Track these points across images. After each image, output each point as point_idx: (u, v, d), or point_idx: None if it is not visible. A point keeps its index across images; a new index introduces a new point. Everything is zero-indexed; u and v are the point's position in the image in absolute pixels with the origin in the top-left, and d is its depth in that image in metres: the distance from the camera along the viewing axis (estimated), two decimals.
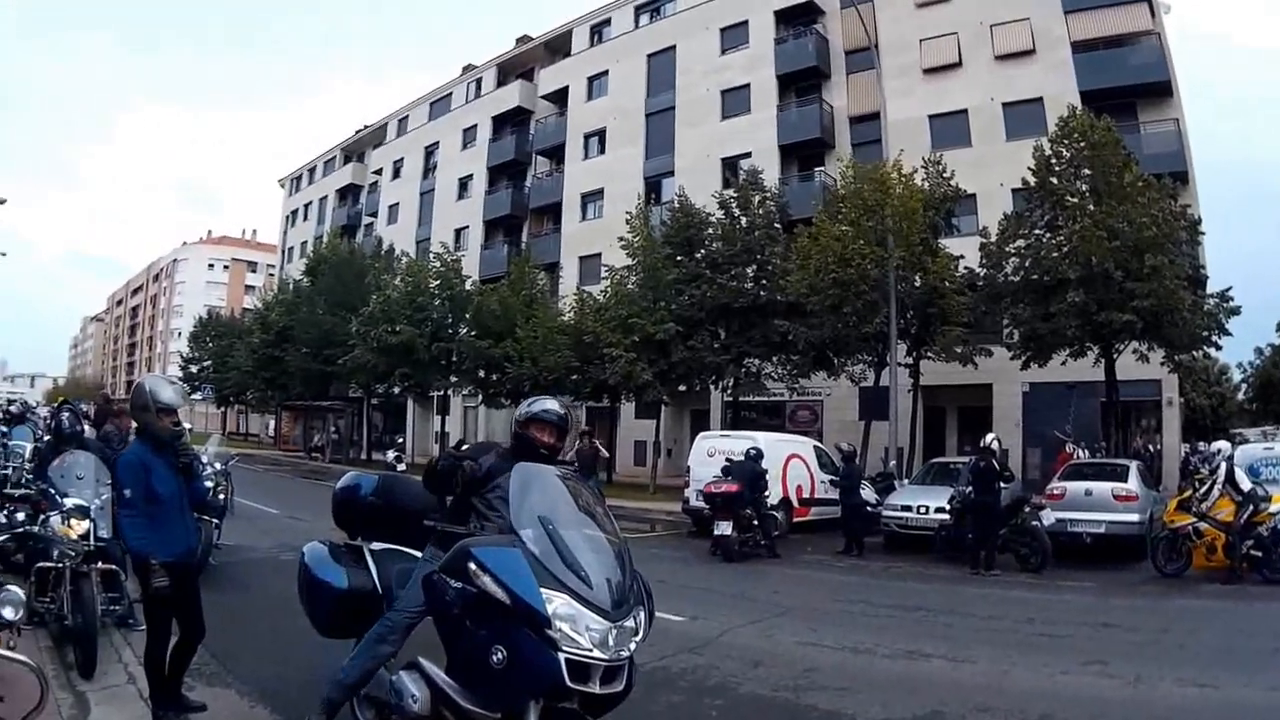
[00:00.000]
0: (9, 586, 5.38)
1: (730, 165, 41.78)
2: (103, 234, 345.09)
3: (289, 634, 8.33)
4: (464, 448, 6.27)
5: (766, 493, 19.33)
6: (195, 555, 7.17)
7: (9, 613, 5.16)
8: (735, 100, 44.27)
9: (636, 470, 39.46)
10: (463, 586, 4.84)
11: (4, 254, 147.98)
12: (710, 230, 34.02)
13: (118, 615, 9.05)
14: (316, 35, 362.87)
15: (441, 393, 47.87)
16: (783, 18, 43.00)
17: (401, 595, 5.78)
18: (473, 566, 4.74)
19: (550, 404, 6.01)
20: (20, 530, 6.90)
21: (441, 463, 5.90)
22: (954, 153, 31.90)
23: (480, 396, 42.88)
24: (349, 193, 77.00)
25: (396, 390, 48.75)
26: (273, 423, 74.28)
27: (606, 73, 51.62)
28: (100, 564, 8.44)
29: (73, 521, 8.25)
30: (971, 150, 34.42)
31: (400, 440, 39.94)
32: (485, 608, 4.73)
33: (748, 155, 40.21)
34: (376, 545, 6.57)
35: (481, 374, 41.05)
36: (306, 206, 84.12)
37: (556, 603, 4.56)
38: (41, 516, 8.49)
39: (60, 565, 8.16)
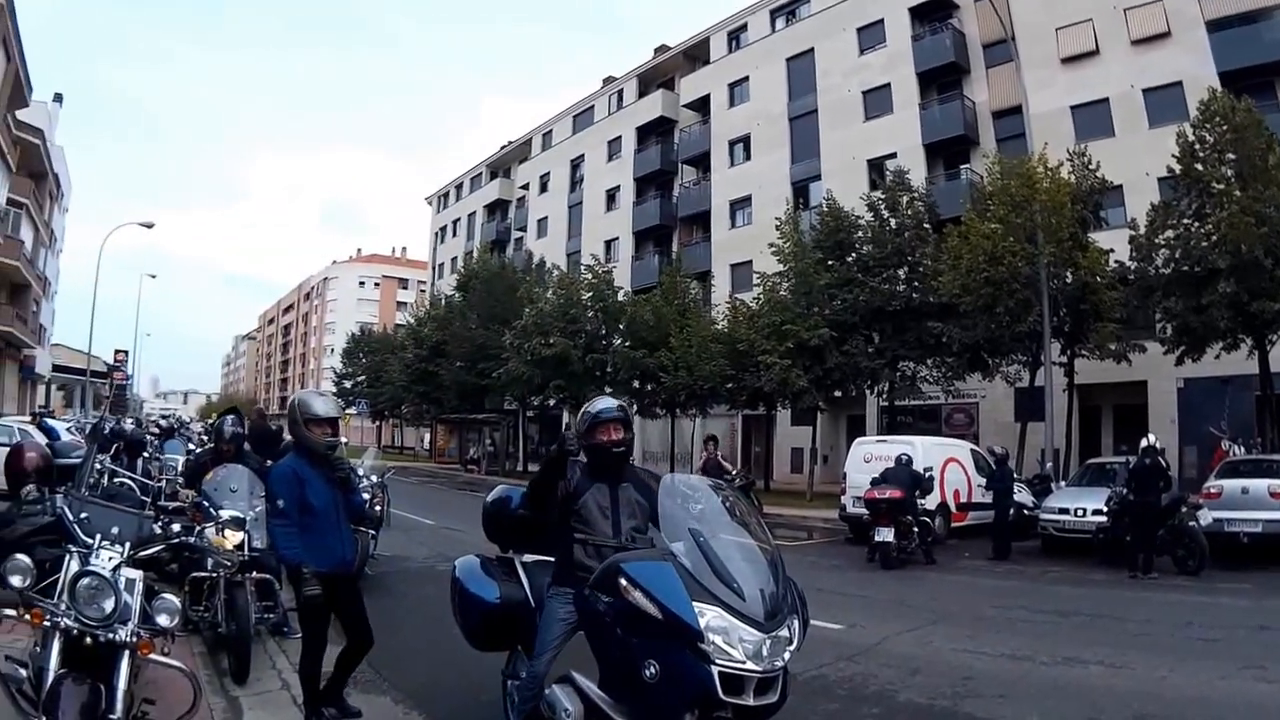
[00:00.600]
0: (165, 595, 5.67)
1: (876, 166, 42.01)
2: (253, 255, 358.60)
3: (444, 642, 8.44)
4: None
5: (925, 499, 19.25)
6: (350, 567, 7.23)
7: (164, 620, 5.42)
8: (877, 100, 44.02)
9: (794, 478, 40.08)
10: (613, 601, 4.94)
11: (154, 276, 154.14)
12: (860, 233, 34.01)
13: (272, 623, 9.51)
14: (456, 54, 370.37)
15: None
16: (918, 14, 42.96)
17: (536, 642, 5.83)
18: (624, 582, 4.86)
19: (606, 402, 6.17)
20: (176, 541, 6.85)
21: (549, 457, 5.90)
22: (1098, 143, 31.44)
23: (635, 407, 41.78)
24: (497, 208, 78.63)
25: (552, 402, 49.04)
26: (428, 436, 75.35)
27: (747, 79, 51.63)
28: (255, 573, 8.84)
29: (227, 532, 8.62)
30: (1115, 140, 33.82)
31: None
32: (637, 622, 4.79)
33: (893, 155, 40.21)
34: (528, 557, 6.72)
35: (636, 384, 41.41)
36: (455, 223, 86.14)
37: (709, 615, 4.58)
38: (197, 528, 8.55)
39: (214, 575, 8.52)
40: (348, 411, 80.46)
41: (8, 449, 9.63)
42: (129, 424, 25.20)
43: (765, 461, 40.86)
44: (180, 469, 16.01)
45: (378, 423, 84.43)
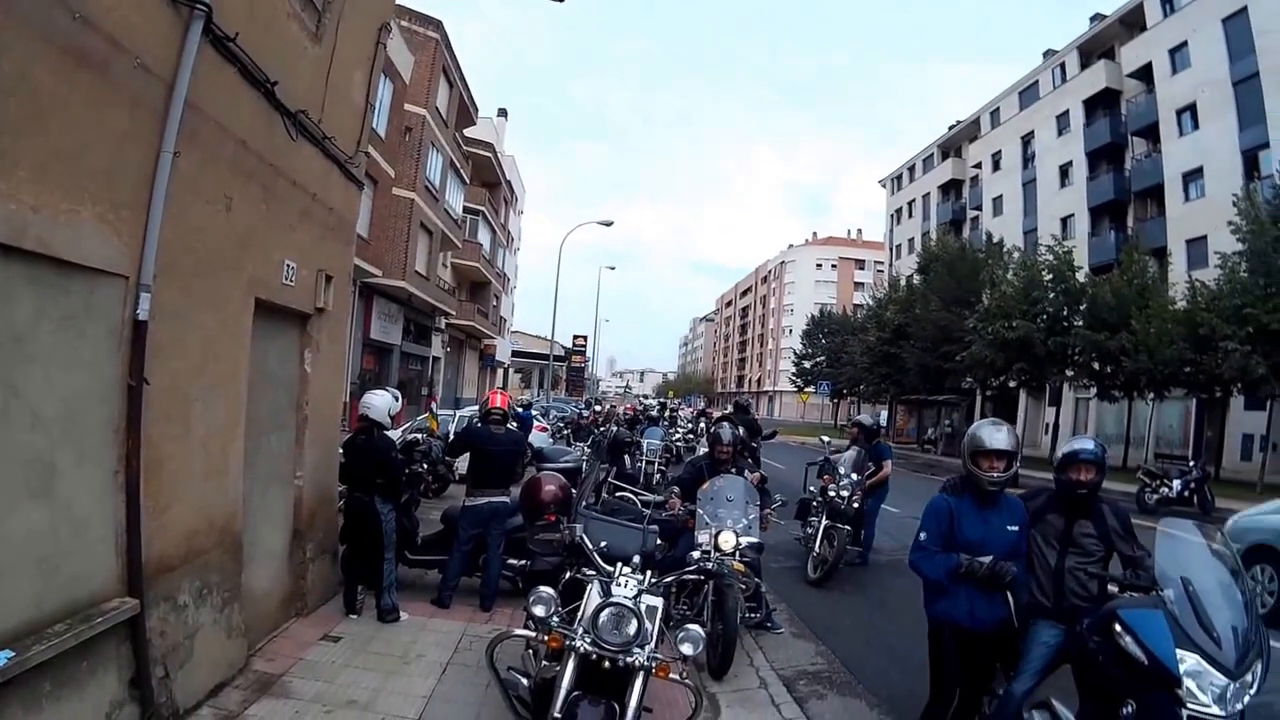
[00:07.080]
0: (691, 626, 5.66)
1: None
2: (711, 243, 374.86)
3: (914, 638, 7.56)
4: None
5: None
6: (996, 626, 6.21)
7: (688, 649, 5.52)
8: None
9: (1242, 466, 38.72)
10: (1103, 641, 5.31)
11: (612, 268, 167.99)
12: None
13: (755, 621, 9.89)
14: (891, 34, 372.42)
15: (1054, 385, 48.93)
16: None
17: (1020, 662, 6.13)
18: (1117, 628, 5.21)
19: (1082, 443, 6.10)
20: (694, 569, 7.18)
21: None
22: None
23: (1095, 390, 43.53)
24: (950, 188, 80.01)
25: (1012, 384, 48.99)
26: (884, 414, 74.79)
27: (1185, 43, 49.23)
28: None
29: (723, 537, 8.70)
30: None
31: None
32: (1122, 663, 5.14)
33: None
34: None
35: (1096, 366, 41.46)
36: (910, 204, 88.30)
37: (1188, 662, 4.87)
38: (698, 539, 8.82)
39: (702, 578, 8.62)
40: (806, 390, 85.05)
41: (524, 482, 10.49)
42: (613, 429, 25.89)
43: (1217, 448, 40.02)
44: (660, 453, 18.79)
45: (835, 401, 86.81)
